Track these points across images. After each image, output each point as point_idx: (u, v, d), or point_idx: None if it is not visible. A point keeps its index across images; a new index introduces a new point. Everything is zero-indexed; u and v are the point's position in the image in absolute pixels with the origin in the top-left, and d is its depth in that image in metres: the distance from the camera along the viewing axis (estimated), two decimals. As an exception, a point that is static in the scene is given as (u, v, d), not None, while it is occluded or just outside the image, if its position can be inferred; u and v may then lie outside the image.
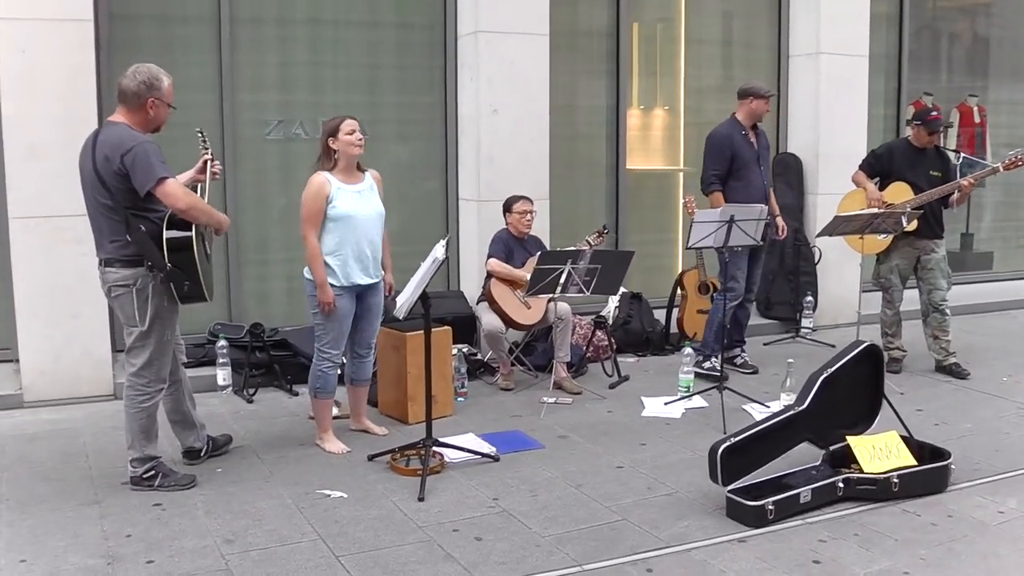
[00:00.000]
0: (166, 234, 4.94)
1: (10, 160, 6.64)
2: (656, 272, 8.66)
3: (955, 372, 7.76)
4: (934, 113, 7.74)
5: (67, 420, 6.49)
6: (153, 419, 5.26)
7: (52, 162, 6.43)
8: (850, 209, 7.80)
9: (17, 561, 4.41)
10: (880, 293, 7.88)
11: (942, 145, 8.24)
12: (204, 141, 5.54)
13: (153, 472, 5.28)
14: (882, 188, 7.64)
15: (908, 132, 7.87)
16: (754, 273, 7.83)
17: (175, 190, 4.87)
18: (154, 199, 4.90)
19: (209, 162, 5.45)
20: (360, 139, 5.81)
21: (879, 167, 7.78)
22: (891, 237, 7.52)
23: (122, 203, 4.92)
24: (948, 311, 7.75)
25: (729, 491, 4.91)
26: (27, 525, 4.81)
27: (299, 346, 7.43)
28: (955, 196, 7.48)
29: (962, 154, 7.69)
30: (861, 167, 7.89)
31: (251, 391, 7.17)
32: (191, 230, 4.98)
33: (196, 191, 5.28)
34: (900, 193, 7.54)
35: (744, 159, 7.63)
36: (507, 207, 7.44)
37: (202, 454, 5.69)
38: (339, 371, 6.10)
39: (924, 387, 7.46)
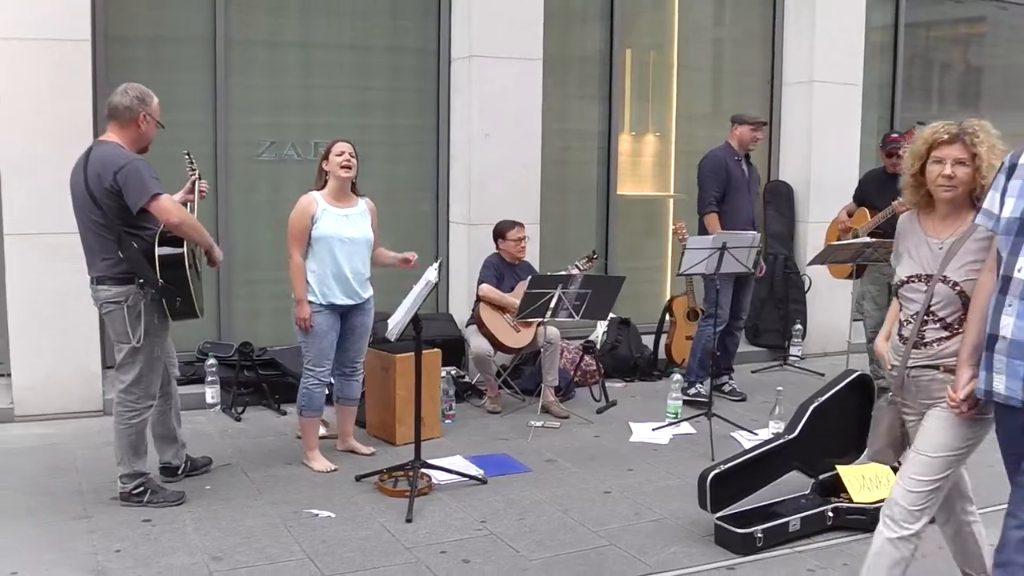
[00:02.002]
0: (158, 251, 4.97)
1: (6, 178, 6.66)
2: (645, 298, 8.68)
3: None
4: (893, 135, 7.78)
5: (57, 435, 6.46)
6: (142, 435, 5.27)
7: (46, 180, 6.41)
8: (831, 237, 7.88)
9: (8, 573, 4.41)
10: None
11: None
12: (191, 162, 5.60)
13: (142, 488, 5.28)
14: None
15: None
16: (743, 300, 7.85)
17: (169, 205, 4.91)
18: (146, 216, 4.93)
19: (197, 182, 5.50)
20: (347, 161, 5.85)
21: (859, 194, 7.88)
22: (851, 265, 7.54)
23: (114, 221, 4.94)
24: None
25: (718, 518, 4.91)
26: (17, 538, 4.81)
27: (287, 366, 7.41)
28: None
29: None
30: (853, 196, 7.97)
31: (239, 409, 7.15)
32: (183, 247, 5.01)
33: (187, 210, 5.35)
34: (861, 219, 7.66)
35: (735, 185, 7.69)
36: (500, 233, 7.45)
37: (179, 472, 5.67)
38: (327, 391, 6.10)
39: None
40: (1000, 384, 3.27)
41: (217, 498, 5.44)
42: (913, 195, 3.79)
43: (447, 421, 6.99)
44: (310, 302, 5.82)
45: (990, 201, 3.34)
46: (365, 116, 8.35)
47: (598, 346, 8.43)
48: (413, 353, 5.71)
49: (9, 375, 6.95)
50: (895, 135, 7.77)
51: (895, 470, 5.27)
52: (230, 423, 6.99)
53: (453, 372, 7.41)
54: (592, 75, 9.31)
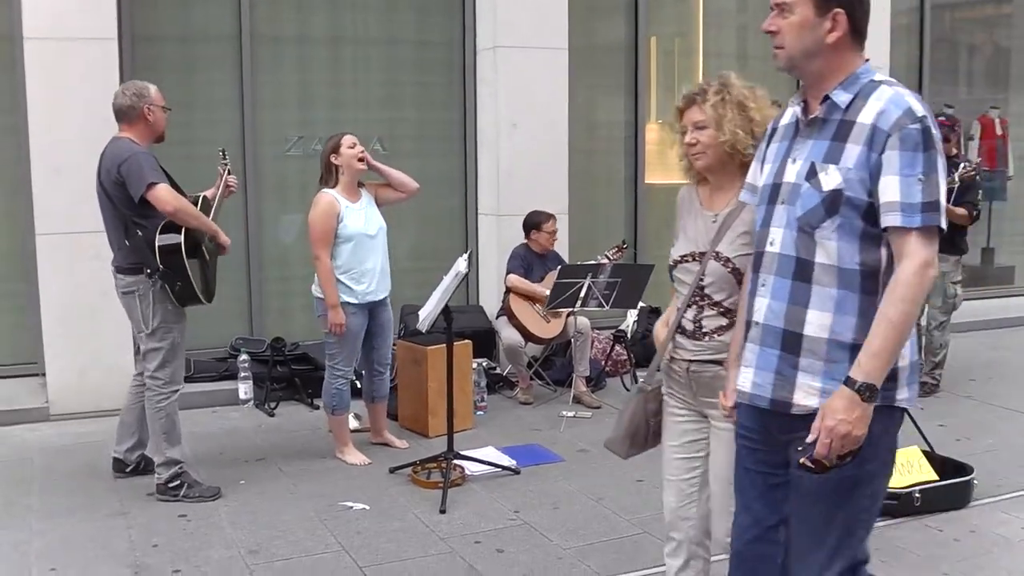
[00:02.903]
0: (158, 238, 5.11)
1: (36, 178, 6.74)
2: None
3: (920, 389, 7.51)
4: (940, 117, 7.61)
5: (92, 433, 6.53)
6: (172, 421, 5.37)
7: (76, 180, 6.46)
8: None
9: (48, 570, 4.48)
10: None
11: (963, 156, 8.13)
12: (224, 159, 5.65)
13: (179, 482, 5.35)
14: None
15: None
16: None
17: (163, 194, 5.03)
18: (150, 207, 5.07)
19: (224, 177, 5.56)
20: (363, 153, 5.85)
21: None
22: None
23: (124, 211, 5.12)
24: (936, 332, 7.55)
25: (750, 504, 4.89)
26: (57, 535, 4.87)
27: (320, 360, 7.44)
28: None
29: (962, 164, 7.44)
30: None
31: (272, 404, 7.21)
32: (180, 234, 5.14)
33: (214, 204, 5.52)
34: None
35: None
36: (535, 225, 7.46)
37: (127, 470, 5.68)
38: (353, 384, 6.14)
39: (945, 402, 7.43)
40: (747, 380, 2.86)
41: (252, 492, 5.49)
42: (688, 168, 3.42)
43: (479, 413, 7.02)
44: (346, 303, 5.78)
45: (752, 172, 3.03)
46: (392, 110, 8.38)
47: (629, 335, 8.43)
48: (444, 345, 5.74)
49: (43, 375, 7.04)
50: (942, 118, 7.54)
51: (927, 455, 5.28)
52: (263, 418, 7.05)
53: (484, 364, 7.43)
54: (618, 64, 9.30)
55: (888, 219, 2.58)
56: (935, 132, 2.60)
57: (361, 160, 5.81)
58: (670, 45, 9.77)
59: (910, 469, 5.18)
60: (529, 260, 7.42)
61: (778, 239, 2.78)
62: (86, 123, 6.58)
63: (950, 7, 11.44)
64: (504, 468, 5.82)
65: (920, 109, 2.61)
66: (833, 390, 2.61)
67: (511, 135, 8.14)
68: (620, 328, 8.44)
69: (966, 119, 11.16)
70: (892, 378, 2.64)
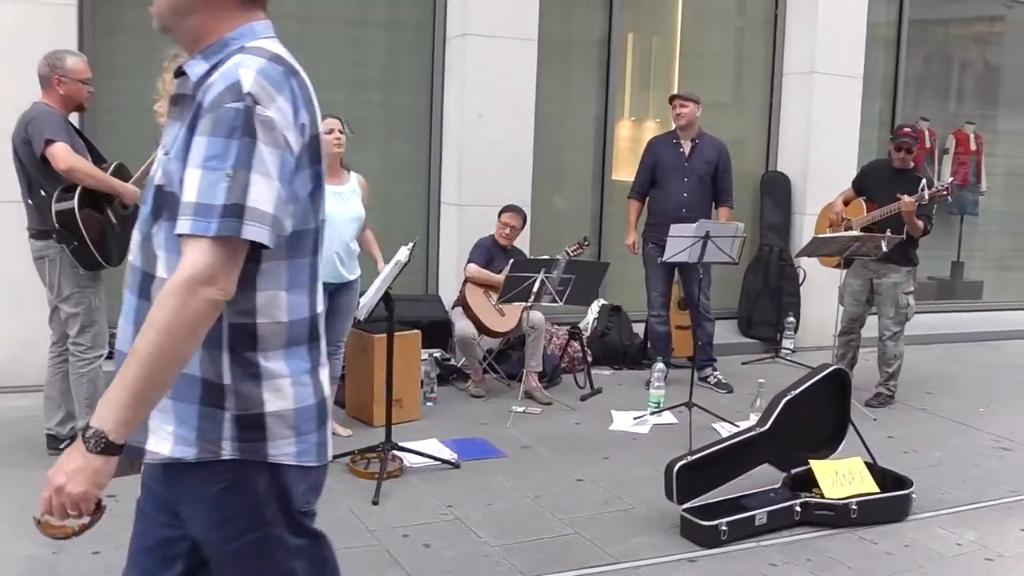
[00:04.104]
0: (55, 197, 5.10)
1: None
2: (637, 286, 8.58)
3: (874, 400, 7.49)
4: (905, 128, 7.54)
5: (35, 407, 6.35)
6: (95, 386, 5.35)
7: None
8: (822, 224, 7.78)
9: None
10: None
11: (930, 170, 8.06)
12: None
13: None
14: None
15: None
16: (692, 290, 7.71)
17: (59, 152, 5.01)
18: (51, 168, 5.06)
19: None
20: (338, 139, 5.82)
21: (859, 183, 7.68)
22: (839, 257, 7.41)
23: (31, 172, 5.17)
24: (889, 343, 7.44)
25: (684, 510, 4.85)
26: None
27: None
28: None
29: (923, 179, 7.35)
30: (852, 183, 7.82)
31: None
32: (75, 193, 5.10)
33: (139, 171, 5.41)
34: (856, 210, 7.46)
35: (665, 168, 7.68)
36: (500, 213, 7.42)
37: (62, 446, 5.57)
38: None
39: (898, 414, 7.38)
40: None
41: (185, 474, 5.40)
42: None
43: (429, 403, 6.94)
44: None
45: None
46: (359, 92, 8.27)
47: (588, 333, 8.37)
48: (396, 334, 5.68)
49: (-13, 346, 6.93)
50: (907, 129, 7.50)
51: (869, 466, 5.25)
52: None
53: (438, 354, 7.36)
54: (591, 59, 9.22)
55: (180, 224, 2.01)
56: (269, 116, 2.05)
57: (336, 145, 5.79)
58: (647, 42, 9.70)
59: (851, 480, 5.14)
60: (492, 252, 7.35)
61: (135, 247, 2.25)
62: (38, 90, 6.48)
63: (942, 23, 11.42)
64: (443, 461, 5.75)
65: (254, 84, 2.04)
66: (190, 435, 2.16)
67: (476, 126, 8.05)
68: (578, 325, 8.37)
69: (942, 132, 11.16)
70: (257, 426, 2.17)
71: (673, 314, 8.17)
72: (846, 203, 7.63)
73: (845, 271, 7.59)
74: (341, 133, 5.86)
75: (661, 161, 7.72)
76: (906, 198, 6.91)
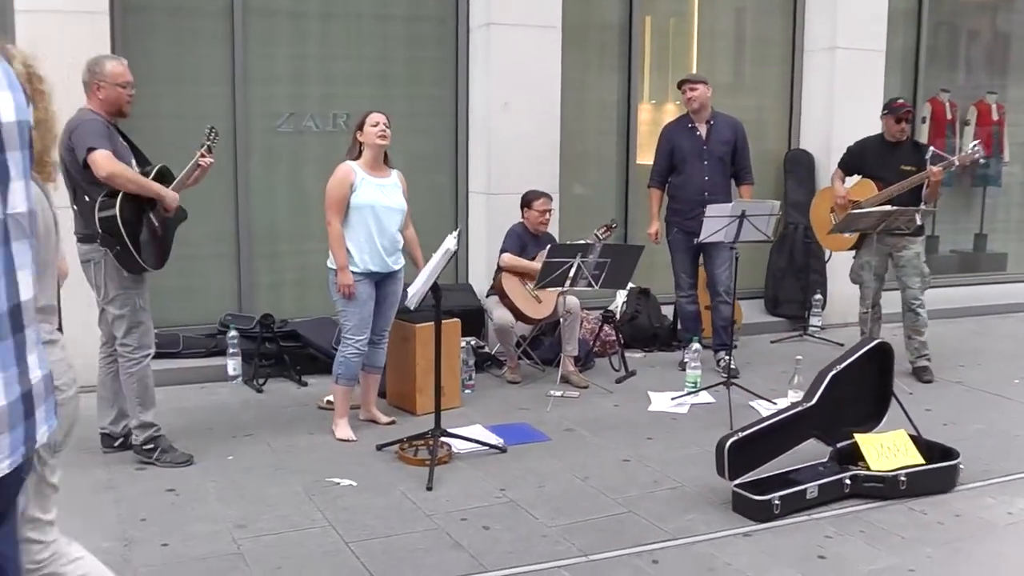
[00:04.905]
0: (98, 203, 5.19)
1: (25, 151, 6.68)
2: (664, 268, 8.63)
3: (919, 376, 7.60)
4: (900, 100, 7.63)
5: (83, 407, 6.46)
6: (145, 385, 5.50)
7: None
8: (821, 207, 7.84)
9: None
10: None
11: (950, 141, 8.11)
12: (209, 136, 5.64)
13: (152, 445, 5.52)
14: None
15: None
16: (716, 273, 7.73)
17: (99, 159, 5.11)
18: (93, 173, 5.16)
19: (202, 153, 5.61)
20: (383, 131, 5.97)
21: (852, 163, 7.75)
22: (856, 235, 7.49)
23: (75, 177, 5.25)
24: (921, 311, 7.57)
25: (735, 485, 4.92)
26: (44, 508, 4.86)
27: (309, 337, 7.46)
28: (925, 190, 7.31)
29: (931, 148, 7.48)
30: (839, 164, 7.88)
31: (261, 381, 7.21)
32: (117, 199, 5.19)
33: (180, 175, 5.56)
34: (865, 190, 7.52)
35: (684, 153, 7.74)
36: (527, 202, 7.44)
37: (116, 444, 5.75)
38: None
39: (933, 388, 7.44)
40: None
41: (239, 468, 5.50)
42: None
43: (467, 391, 7.02)
44: (351, 270, 5.90)
45: None
46: (384, 86, 8.33)
47: (618, 316, 8.43)
48: (432, 323, 5.75)
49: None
50: (902, 100, 7.66)
51: (914, 439, 5.31)
52: (251, 394, 7.04)
53: (473, 342, 7.43)
54: (611, 44, 9.27)
55: None
56: None
57: (382, 137, 5.95)
58: (665, 25, 9.73)
59: (896, 453, 5.20)
60: (524, 239, 7.40)
61: None
62: (77, 97, 6.54)
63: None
64: (491, 446, 5.83)
65: None
66: None
67: (502, 115, 8.11)
68: (609, 308, 8.45)
69: (963, 104, 11.16)
70: None
71: (701, 293, 8.22)
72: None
73: (854, 252, 7.69)
74: (387, 127, 5.95)
75: (679, 147, 7.77)
76: (934, 168, 7.01)
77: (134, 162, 5.40)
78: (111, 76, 5.36)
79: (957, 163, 7.22)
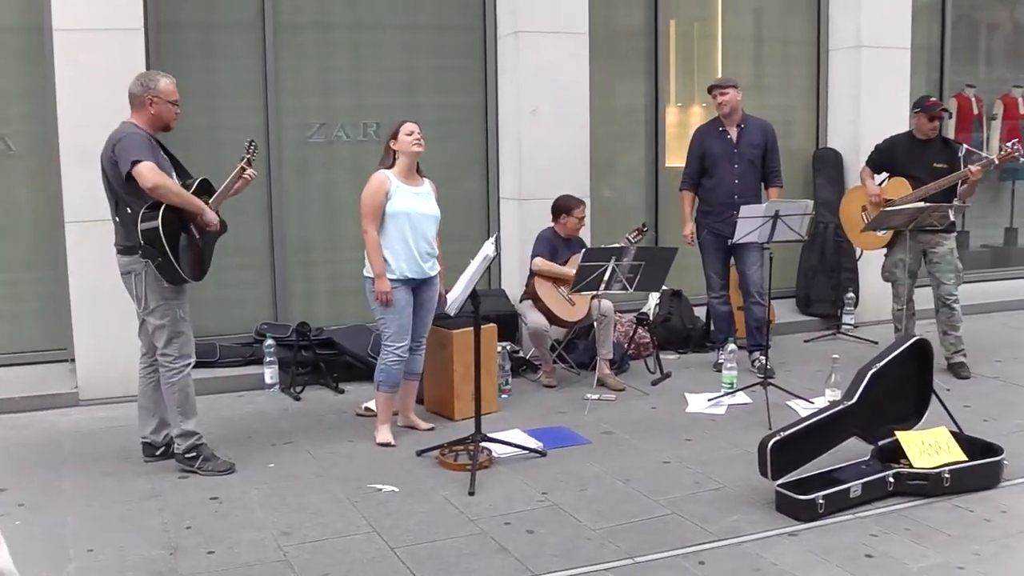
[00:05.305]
0: (141, 215, 5.23)
1: (65, 166, 6.80)
2: (695, 270, 8.64)
3: (956, 372, 7.57)
4: (932, 99, 7.64)
5: (122, 417, 6.56)
6: (186, 394, 5.56)
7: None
8: (851, 206, 7.84)
9: (85, 551, 4.54)
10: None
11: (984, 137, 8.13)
12: (248, 150, 5.67)
13: (195, 453, 5.57)
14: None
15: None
16: (749, 274, 7.72)
17: (145, 171, 5.16)
18: (137, 185, 5.21)
19: (242, 167, 5.64)
20: (418, 139, 6.03)
21: (882, 162, 7.76)
22: (890, 233, 7.48)
23: (117, 190, 5.32)
24: (956, 307, 7.55)
25: (779, 485, 4.92)
26: (91, 517, 4.94)
27: (345, 345, 7.50)
28: (962, 188, 7.31)
29: (964, 146, 7.50)
30: (867, 162, 7.88)
31: (298, 389, 7.26)
32: (159, 211, 5.22)
33: (220, 188, 5.60)
34: (899, 188, 7.51)
35: (715, 157, 7.75)
36: (566, 210, 7.44)
37: (157, 453, 5.79)
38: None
39: (970, 383, 7.40)
40: None
41: (281, 475, 5.54)
42: None
43: (504, 396, 7.05)
44: (388, 277, 5.95)
45: None
46: (414, 95, 8.38)
47: (651, 318, 8.44)
48: (469, 329, 5.79)
49: (73, 360, 7.11)
50: (934, 99, 7.68)
51: (955, 435, 5.30)
52: (289, 402, 7.09)
53: (508, 347, 7.45)
54: (637, 48, 9.30)
55: None
56: None
57: (417, 144, 6.01)
58: (689, 28, 9.75)
59: (938, 450, 5.19)
60: (555, 244, 7.43)
61: None
62: (113, 112, 6.61)
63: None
64: (531, 450, 5.85)
65: None
66: None
67: (532, 121, 8.14)
68: (642, 311, 8.46)
69: (988, 98, 11.13)
70: None
71: (733, 294, 8.22)
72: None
73: (885, 250, 7.69)
74: (421, 135, 5.98)
75: (710, 150, 7.77)
76: (973, 167, 7.03)
77: (175, 175, 5.45)
78: (165, 93, 5.45)
79: (997, 162, 7.23)
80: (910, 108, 7.87)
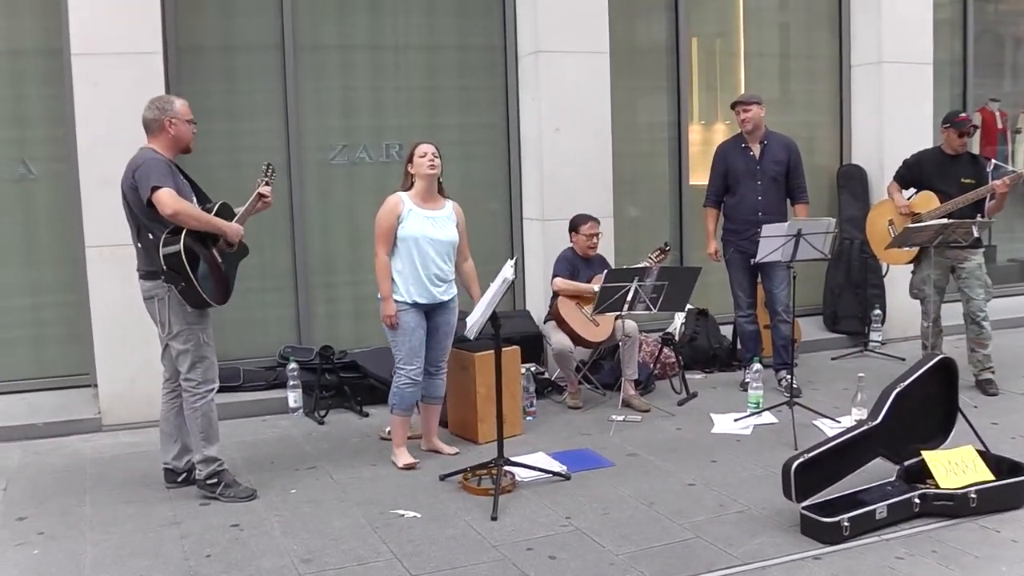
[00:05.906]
0: (163, 240, 5.23)
1: (85, 190, 6.82)
2: (721, 288, 8.59)
3: (984, 388, 7.50)
4: (963, 114, 7.61)
5: (144, 443, 6.59)
6: (209, 420, 5.54)
7: (122, 191, 6.57)
8: (877, 222, 7.78)
9: (103, 582, 4.52)
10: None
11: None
12: (267, 172, 5.67)
13: (216, 480, 5.54)
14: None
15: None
16: (776, 292, 7.66)
17: (164, 197, 5.16)
18: (157, 211, 5.22)
19: (259, 188, 5.65)
20: (432, 161, 5.98)
21: (910, 176, 7.72)
22: (916, 249, 7.43)
23: (138, 215, 5.33)
24: (986, 324, 7.48)
25: (803, 508, 4.87)
26: (112, 545, 4.93)
27: (369, 368, 7.50)
28: (990, 203, 7.29)
29: (993, 161, 7.47)
30: (895, 177, 7.83)
31: (322, 412, 7.25)
32: (181, 235, 5.22)
33: (240, 210, 5.61)
34: (927, 202, 7.47)
35: (737, 174, 7.71)
36: (574, 227, 7.46)
37: (179, 479, 5.78)
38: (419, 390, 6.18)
39: (998, 401, 7.33)
40: None
41: (303, 501, 5.53)
42: None
43: (528, 418, 7.02)
44: (396, 300, 5.94)
45: None
46: (435, 116, 8.40)
47: (676, 338, 8.40)
48: (491, 351, 5.76)
49: (95, 385, 7.14)
50: (964, 114, 7.64)
51: (982, 454, 5.23)
52: (313, 426, 7.09)
53: (533, 369, 7.42)
54: (659, 66, 9.28)
55: None
56: None
57: (431, 167, 5.98)
58: (711, 45, 9.73)
59: (965, 469, 5.12)
60: (575, 264, 7.41)
61: None
62: (133, 136, 6.64)
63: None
64: (554, 474, 5.82)
65: None
66: None
67: (554, 140, 8.14)
68: (668, 331, 8.42)
69: (1012, 112, 11.04)
70: None
71: (760, 313, 8.17)
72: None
73: (912, 266, 7.64)
74: (435, 156, 5.97)
75: (733, 167, 7.75)
76: (997, 182, 7.01)
77: (195, 199, 5.47)
78: (181, 112, 5.48)
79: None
80: (940, 123, 7.81)
